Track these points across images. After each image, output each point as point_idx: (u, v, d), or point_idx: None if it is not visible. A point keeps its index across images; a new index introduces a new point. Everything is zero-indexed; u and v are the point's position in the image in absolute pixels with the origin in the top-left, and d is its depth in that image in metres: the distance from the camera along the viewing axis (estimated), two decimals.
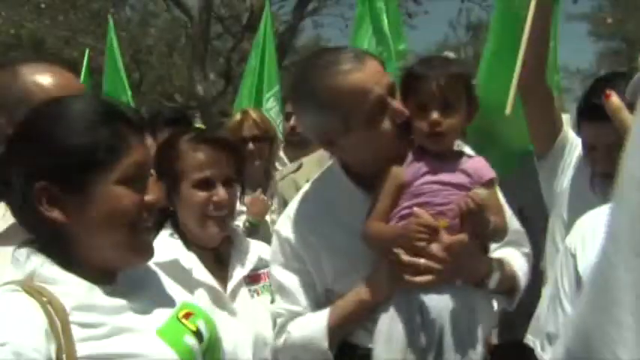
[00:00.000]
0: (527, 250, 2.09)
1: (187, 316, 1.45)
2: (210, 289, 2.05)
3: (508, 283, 1.91)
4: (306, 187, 2.08)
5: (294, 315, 1.95)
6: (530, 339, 1.79)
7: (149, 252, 1.43)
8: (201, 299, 1.98)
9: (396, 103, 1.82)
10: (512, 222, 2.01)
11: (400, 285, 1.80)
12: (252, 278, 2.16)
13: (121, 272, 1.42)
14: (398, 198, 1.82)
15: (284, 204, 3.03)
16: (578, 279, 1.66)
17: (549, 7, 2.62)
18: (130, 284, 1.42)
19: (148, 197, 1.39)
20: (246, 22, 15.99)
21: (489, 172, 1.86)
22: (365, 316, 1.88)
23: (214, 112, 13.90)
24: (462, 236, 1.77)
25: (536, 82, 2.59)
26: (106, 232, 1.35)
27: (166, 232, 2.12)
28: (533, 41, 2.52)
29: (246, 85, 5.74)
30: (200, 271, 2.06)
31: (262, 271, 2.19)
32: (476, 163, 1.87)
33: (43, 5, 15.13)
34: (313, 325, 1.92)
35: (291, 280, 1.96)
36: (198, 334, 1.43)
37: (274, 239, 2.02)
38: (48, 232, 1.34)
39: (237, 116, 3.84)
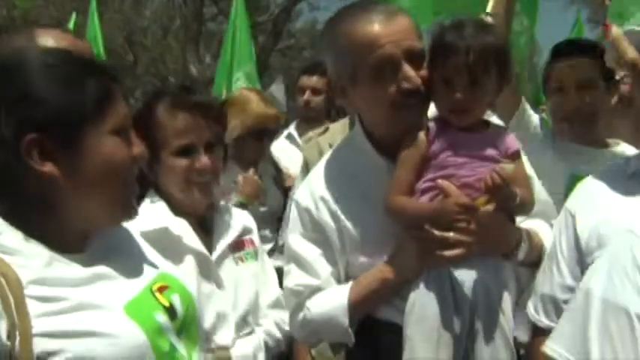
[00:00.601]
0: (554, 220, 2.03)
1: (162, 289, 1.39)
2: (198, 256, 2.03)
3: (536, 254, 1.86)
4: (327, 154, 2.03)
5: (313, 290, 1.89)
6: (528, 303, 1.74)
7: (134, 210, 1.39)
8: (188, 267, 1.98)
9: (409, 69, 1.74)
10: (540, 193, 1.96)
11: (429, 261, 1.74)
12: (236, 245, 2.15)
13: (95, 238, 1.36)
14: (422, 170, 1.77)
15: (306, 166, 3.00)
16: (576, 239, 1.63)
17: None
18: (105, 251, 1.36)
19: (135, 149, 1.36)
20: None
21: (515, 144, 1.81)
22: (388, 294, 1.83)
23: (209, 94, 13.81)
24: (490, 207, 1.72)
25: None
26: (99, 186, 1.30)
27: (147, 200, 2.07)
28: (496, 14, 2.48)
29: (222, 65, 5.60)
30: (190, 237, 2.04)
31: (245, 237, 2.20)
32: (502, 133, 1.82)
33: None
34: (333, 302, 1.87)
35: (309, 251, 1.90)
36: (171, 310, 1.37)
37: (293, 208, 1.97)
38: (33, 191, 1.26)
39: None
